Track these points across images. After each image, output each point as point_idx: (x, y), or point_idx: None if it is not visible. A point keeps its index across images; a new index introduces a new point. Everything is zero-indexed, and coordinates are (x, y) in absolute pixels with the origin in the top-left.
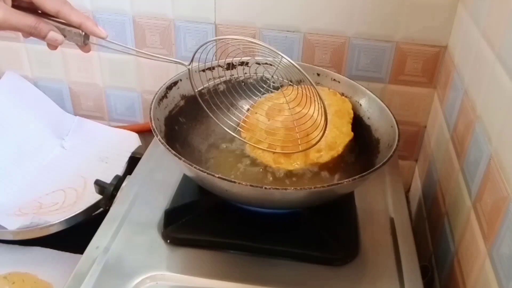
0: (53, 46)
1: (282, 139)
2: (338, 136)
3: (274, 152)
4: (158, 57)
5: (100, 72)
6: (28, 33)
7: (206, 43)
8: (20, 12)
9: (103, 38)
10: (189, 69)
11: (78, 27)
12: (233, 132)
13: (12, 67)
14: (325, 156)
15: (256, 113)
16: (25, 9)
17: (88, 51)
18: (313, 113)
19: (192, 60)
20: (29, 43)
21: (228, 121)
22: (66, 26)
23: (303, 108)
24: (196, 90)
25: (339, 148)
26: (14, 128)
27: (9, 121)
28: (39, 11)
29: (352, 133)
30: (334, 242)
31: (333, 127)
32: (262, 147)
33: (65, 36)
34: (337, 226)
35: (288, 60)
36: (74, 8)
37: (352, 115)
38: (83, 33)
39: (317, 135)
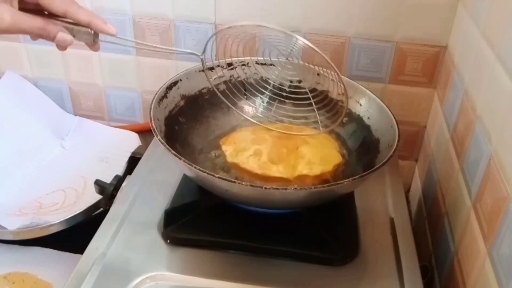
0: (62, 47)
1: (271, 146)
2: (328, 156)
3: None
4: (168, 49)
5: (100, 72)
6: (37, 35)
7: (218, 32)
8: (28, 14)
9: (113, 35)
10: (202, 59)
11: (87, 26)
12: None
13: (12, 67)
14: (316, 169)
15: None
16: (31, 11)
17: (97, 49)
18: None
19: (204, 50)
20: (29, 43)
21: (229, 121)
22: (75, 25)
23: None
24: (212, 80)
25: (330, 166)
26: (14, 128)
27: (9, 121)
28: (46, 12)
29: (342, 158)
30: (334, 242)
31: (322, 147)
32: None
33: (74, 36)
34: (337, 226)
35: (303, 42)
36: (82, 6)
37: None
38: (92, 32)
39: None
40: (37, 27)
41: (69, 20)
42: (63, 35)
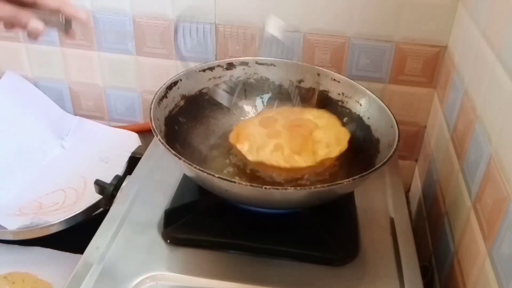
0: (34, 35)
1: (288, 137)
2: (339, 133)
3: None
4: None
5: (100, 72)
6: (9, 23)
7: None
8: None
9: (83, 22)
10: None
11: (57, 12)
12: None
13: (12, 67)
14: (334, 151)
15: (247, 127)
16: (1, 1)
17: (73, 37)
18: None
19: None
20: (30, 43)
21: (229, 121)
22: (46, 13)
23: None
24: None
25: (345, 143)
26: (14, 128)
27: (9, 121)
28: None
29: (349, 132)
30: (334, 242)
31: (331, 126)
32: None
33: (46, 24)
34: (337, 226)
35: None
36: None
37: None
38: (63, 17)
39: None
40: (8, 14)
41: (39, 8)
42: (35, 22)
